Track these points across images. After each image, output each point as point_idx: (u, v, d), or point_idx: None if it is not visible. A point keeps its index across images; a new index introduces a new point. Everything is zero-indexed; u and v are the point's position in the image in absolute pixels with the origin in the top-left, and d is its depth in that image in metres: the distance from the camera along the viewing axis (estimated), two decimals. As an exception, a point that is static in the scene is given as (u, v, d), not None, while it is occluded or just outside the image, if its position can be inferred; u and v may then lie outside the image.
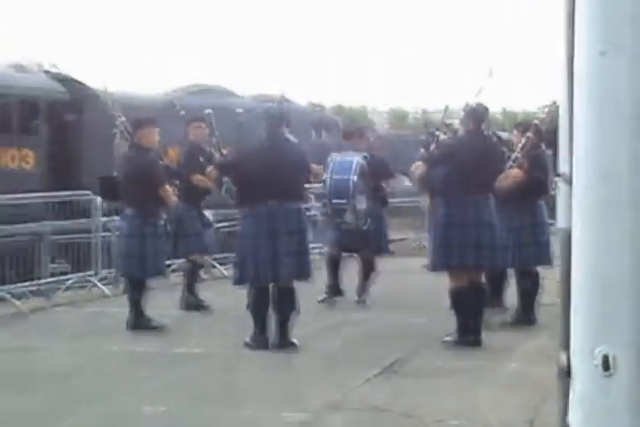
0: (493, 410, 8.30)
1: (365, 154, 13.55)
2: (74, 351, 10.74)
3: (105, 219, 15.07)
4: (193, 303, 13.21)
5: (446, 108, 12.00)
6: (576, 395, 3.50)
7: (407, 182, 13.83)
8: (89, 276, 15.30)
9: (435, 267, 11.17)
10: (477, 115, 11.02)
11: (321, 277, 12.76)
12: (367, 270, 13.98)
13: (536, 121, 12.58)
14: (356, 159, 13.26)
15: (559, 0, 3.85)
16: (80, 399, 8.68)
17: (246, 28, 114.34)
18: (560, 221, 4.47)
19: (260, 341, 10.70)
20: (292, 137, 11.26)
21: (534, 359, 10.25)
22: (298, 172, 10.92)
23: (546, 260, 12.27)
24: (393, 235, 16.34)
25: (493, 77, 11.40)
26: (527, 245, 12.12)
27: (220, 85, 25.34)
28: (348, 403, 8.53)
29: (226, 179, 10.85)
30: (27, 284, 14.71)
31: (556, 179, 4.41)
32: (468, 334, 10.80)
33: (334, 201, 13.17)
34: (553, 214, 14.43)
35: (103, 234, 15.17)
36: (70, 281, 15.10)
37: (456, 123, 11.54)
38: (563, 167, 4.36)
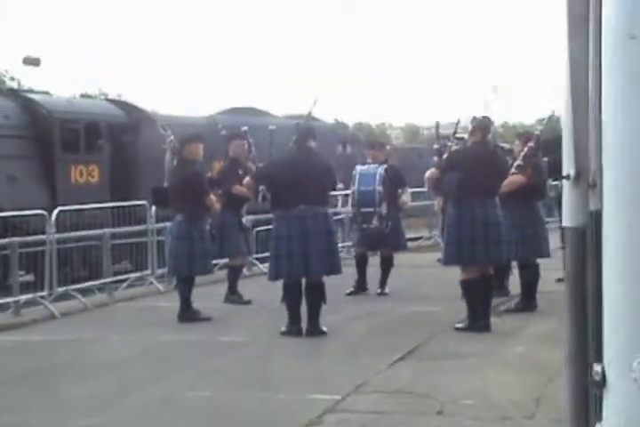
0: (503, 390, 7.96)
1: (386, 166, 13.36)
2: (131, 341, 10.50)
3: (158, 225, 14.76)
4: (235, 299, 12.95)
5: (458, 121, 11.88)
6: (611, 407, 3.08)
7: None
8: (146, 275, 15.07)
9: (448, 262, 10.96)
10: (483, 127, 10.83)
11: (348, 273, 12.38)
12: (387, 266, 13.76)
13: (537, 132, 12.59)
14: (379, 171, 13.14)
15: (559, 0, 3.53)
16: (135, 384, 8.43)
17: (273, 55, 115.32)
18: (566, 221, 4.11)
19: (293, 329, 10.49)
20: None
21: (538, 342, 9.99)
22: (324, 180, 10.65)
23: (545, 253, 12.30)
24: (409, 233, 16.07)
25: (498, 94, 11.26)
26: (528, 240, 11.92)
27: (255, 107, 25.31)
28: (373, 386, 8.17)
29: (262, 187, 10.62)
30: (92, 282, 14.44)
31: (563, 180, 4.07)
32: (478, 321, 10.53)
33: (362, 209, 13.11)
34: (549, 213, 14.22)
35: (157, 238, 14.91)
36: (130, 279, 14.85)
37: (465, 135, 11.22)
38: (568, 169, 4.01)
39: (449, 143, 11.66)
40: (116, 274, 14.71)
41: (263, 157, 12.03)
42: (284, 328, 10.49)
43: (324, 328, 10.50)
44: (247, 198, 12.62)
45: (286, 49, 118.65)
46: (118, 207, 16.99)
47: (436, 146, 11.65)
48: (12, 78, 44.15)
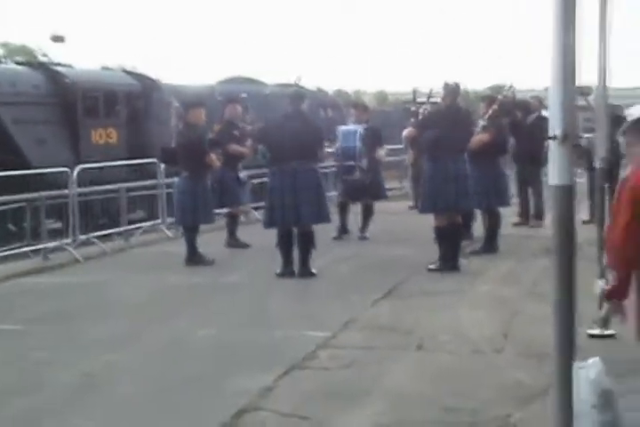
0: (474, 326, 7.55)
1: (365, 126, 12.92)
2: (145, 283, 10.04)
3: (167, 180, 14.24)
4: (234, 243, 12.55)
5: (431, 90, 11.49)
6: None
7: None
8: (157, 223, 14.61)
9: (424, 210, 10.53)
10: (453, 92, 10.39)
11: (333, 219, 11.85)
12: (368, 213, 13.34)
13: (500, 96, 12.26)
14: (359, 130, 12.69)
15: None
16: (149, 323, 7.96)
17: (267, 29, 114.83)
18: (552, 179, 3.68)
19: (287, 272, 10.08)
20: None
21: (501, 281, 9.68)
22: (314, 139, 10.14)
23: (506, 202, 12.03)
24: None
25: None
26: (491, 191, 11.54)
27: (250, 77, 24.84)
28: (359, 323, 7.74)
29: (260, 146, 10.22)
30: (111, 230, 14.01)
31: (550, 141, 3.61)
32: (449, 262, 10.15)
33: (345, 163, 12.72)
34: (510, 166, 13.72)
35: (166, 191, 14.37)
36: (143, 227, 14.37)
37: (438, 100, 10.75)
38: (556, 130, 3.57)
39: (424, 106, 11.27)
40: (131, 223, 14.32)
41: (260, 117, 11.63)
42: (278, 270, 10.07)
43: (314, 270, 10.08)
44: (242, 156, 12.50)
45: (279, 24, 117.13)
46: (132, 165, 16.69)
47: (413, 108, 11.16)
48: (45, 55, 43.52)
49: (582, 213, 13.69)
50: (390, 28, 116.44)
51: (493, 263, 10.65)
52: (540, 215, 14.18)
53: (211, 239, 12.25)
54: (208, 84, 21.85)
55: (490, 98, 12.56)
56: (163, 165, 14.12)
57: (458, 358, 6.54)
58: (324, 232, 11.24)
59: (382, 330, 7.40)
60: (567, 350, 3.57)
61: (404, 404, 5.54)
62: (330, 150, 12.02)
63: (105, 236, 13.58)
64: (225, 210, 12.91)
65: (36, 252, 12.19)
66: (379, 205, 13.70)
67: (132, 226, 14.14)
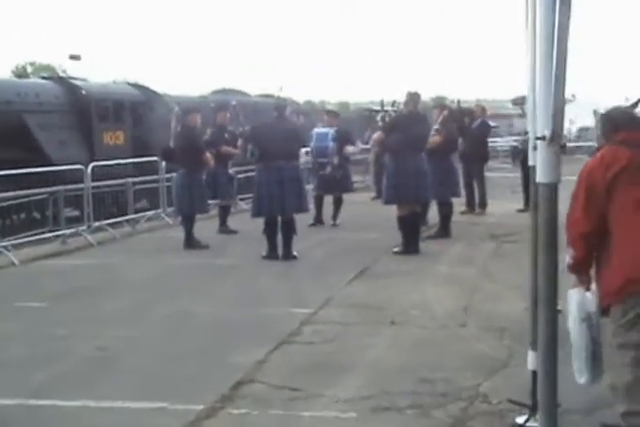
0: (438, 301, 7.12)
1: (336, 128, 12.54)
2: (150, 264, 9.52)
3: (167, 175, 13.69)
4: (225, 231, 12.04)
5: (394, 101, 11.04)
6: None
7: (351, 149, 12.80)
8: (159, 212, 14.05)
9: (388, 201, 10.01)
10: (415, 100, 9.95)
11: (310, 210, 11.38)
12: (338, 204, 12.84)
13: (451, 104, 11.91)
14: (330, 132, 12.34)
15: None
16: (156, 301, 7.43)
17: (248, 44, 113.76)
18: (540, 177, 3.25)
19: (272, 255, 9.58)
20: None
21: (457, 262, 9.24)
22: (296, 141, 9.71)
23: (457, 194, 11.68)
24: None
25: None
26: (445, 184, 11.08)
27: (235, 89, 24.41)
28: (338, 301, 7.26)
29: (250, 146, 9.61)
30: (120, 218, 13.41)
31: (538, 141, 3.16)
32: (410, 246, 9.68)
33: (319, 160, 12.38)
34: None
35: (166, 184, 13.83)
36: (147, 215, 13.78)
37: (401, 106, 10.30)
38: (543, 131, 3.12)
39: (389, 112, 10.83)
40: (136, 212, 13.79)
41: (247, 122, 11.15)
42: (264, 253, 9.58)
43: (296, 253, 9.59)
44: (231, 155, 12.06)
45: (263, 39, 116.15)
46: (137, 162, 16.12)
47: (381, 114, 10.71)
48: (64, 71, 42.79)
49: (517, 203, 13.44)
50: (350, 46, 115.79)
51: (448, 247, 10.22)
52: (483, 205, 13.81)
53: (205, 227, 11.68)
54: (202, 95, 21.43)
55: (441, 106, 12.25)
56: (163, 163, 13.60)
57: (428, 331, 6.10)
58: (302, 220, 10.73)
59: (358, 307, 6.93)
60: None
61: (383, 375, 5.09)
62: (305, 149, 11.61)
63: (115, 223, 13.02)
64: (217, 201, 12.40)
65: (56, 237, 11.65)
66: (345, 196, 13.20)
67: (138, 215, 13.62)
